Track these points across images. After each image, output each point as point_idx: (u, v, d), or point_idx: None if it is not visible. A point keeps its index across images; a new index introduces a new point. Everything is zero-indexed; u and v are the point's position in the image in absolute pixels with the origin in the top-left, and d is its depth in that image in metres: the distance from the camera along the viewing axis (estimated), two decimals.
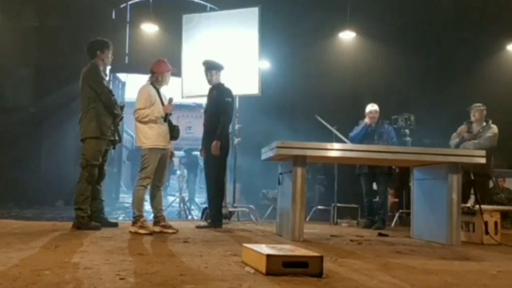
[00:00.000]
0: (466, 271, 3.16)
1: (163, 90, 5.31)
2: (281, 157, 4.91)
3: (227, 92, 5.88)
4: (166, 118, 5.12)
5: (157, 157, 5.03)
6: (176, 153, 7.67)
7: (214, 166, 5.78)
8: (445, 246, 4.55)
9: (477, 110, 6.71)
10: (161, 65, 5.26)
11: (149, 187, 5.08)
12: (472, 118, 6.73)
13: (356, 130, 6.72)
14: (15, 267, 2.68)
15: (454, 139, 6.75)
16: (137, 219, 4.89)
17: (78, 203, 4.97)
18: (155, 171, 5.02)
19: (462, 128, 6.74)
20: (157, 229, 4.97)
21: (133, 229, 4.81)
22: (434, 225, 4.93)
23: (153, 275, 2.55)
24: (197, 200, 12.87)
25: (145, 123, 5.03)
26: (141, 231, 4.76)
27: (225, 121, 5.78)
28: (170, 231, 4.95)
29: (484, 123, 6.66)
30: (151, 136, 5.02)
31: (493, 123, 6.65)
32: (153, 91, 5.13)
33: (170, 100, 5.19)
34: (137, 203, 4.99)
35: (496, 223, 4.96)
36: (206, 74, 5.92)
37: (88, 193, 5.02)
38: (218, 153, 5.64)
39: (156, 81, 5.20)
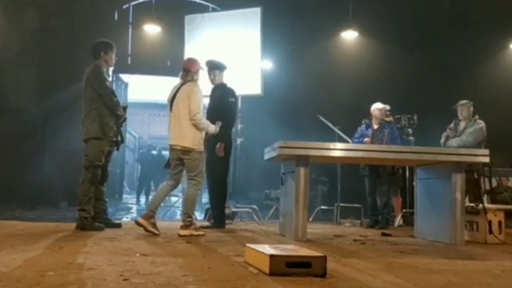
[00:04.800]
0: (470, 270, 3.15)
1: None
2: (284, 157, 4.91)
3: (231, 92, 5.87)
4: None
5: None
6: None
7: (217, 166, 5.77)
8: (449, 246, 4.54)
9: (464, 107, 6.53)
10: (195, 63, 5.07)
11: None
12: (460, 116, 6.55)
13: (358, 134, 6.71)
14: (19, 268, 2.69)
15: (442, 139, 6.63)
16: (191, 222, 4.83)
17: (81, 204, 4.96)
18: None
19: (450, 126, 6.62)
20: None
21: (187, 232, 4.67)
22: (438, 224, 4.92)
23: (157, 276, 2.56)
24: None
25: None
26: (196, 233, 4.72)
27: (229, 122, 5.76)
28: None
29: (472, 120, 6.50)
30: (201, 139, 4.97)
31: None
32: None
33: None
34: (193, 206, 5.02)
35: (500, 222, 4.95)
36: (209, 74, 5.90)
37: (91, 194, 5.02)
38: (223, 155, 5.63)
39: (192, 80, 5.01)
